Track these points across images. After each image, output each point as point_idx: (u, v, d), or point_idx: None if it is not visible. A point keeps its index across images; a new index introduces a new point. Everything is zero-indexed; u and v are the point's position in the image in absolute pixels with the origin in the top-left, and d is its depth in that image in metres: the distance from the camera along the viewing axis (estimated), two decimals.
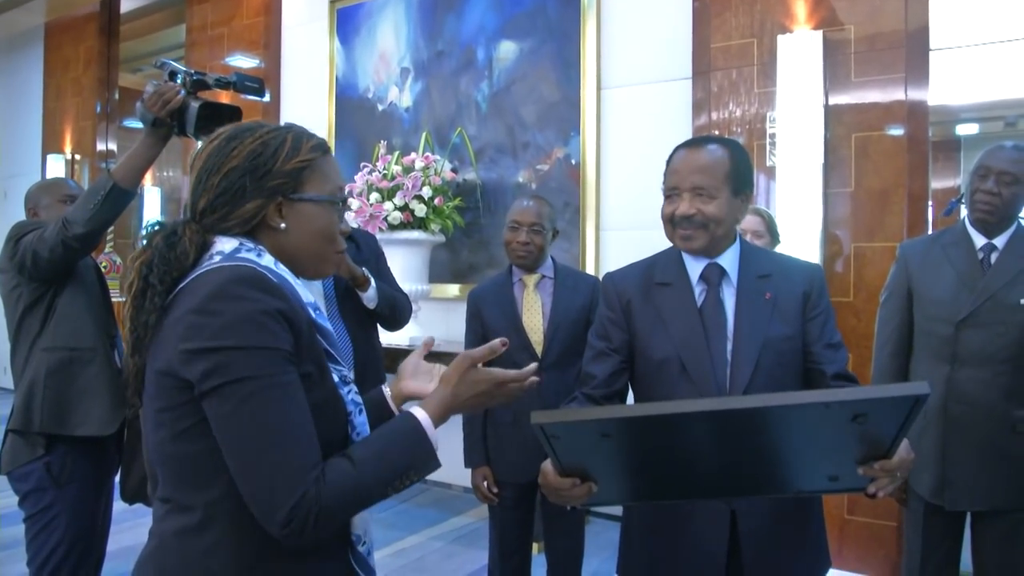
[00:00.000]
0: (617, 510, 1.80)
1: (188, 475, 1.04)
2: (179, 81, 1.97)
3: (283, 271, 1.11)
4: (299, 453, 0.99)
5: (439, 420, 1.13)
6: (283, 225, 1.13)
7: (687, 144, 1.62)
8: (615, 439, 1.13)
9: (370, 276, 2.48)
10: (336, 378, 1.13)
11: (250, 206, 1.11)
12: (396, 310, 2.64)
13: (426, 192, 3.98)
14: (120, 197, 2.08)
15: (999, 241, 2.16)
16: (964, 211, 2.26)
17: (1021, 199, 2.13)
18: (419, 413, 1.12)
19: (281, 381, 1.00)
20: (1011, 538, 2.15)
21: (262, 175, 1.11)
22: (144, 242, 1.10)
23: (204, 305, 1.00)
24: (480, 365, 1.20)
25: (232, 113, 1.96)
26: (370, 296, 2.50)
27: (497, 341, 1.22)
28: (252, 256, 1.08)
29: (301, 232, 1.14)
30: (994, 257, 2.15)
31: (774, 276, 1.59)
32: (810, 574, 1.63)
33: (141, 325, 1.05)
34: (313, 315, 1.12)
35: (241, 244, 1.10)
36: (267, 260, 1.09)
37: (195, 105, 1.93)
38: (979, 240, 2.18)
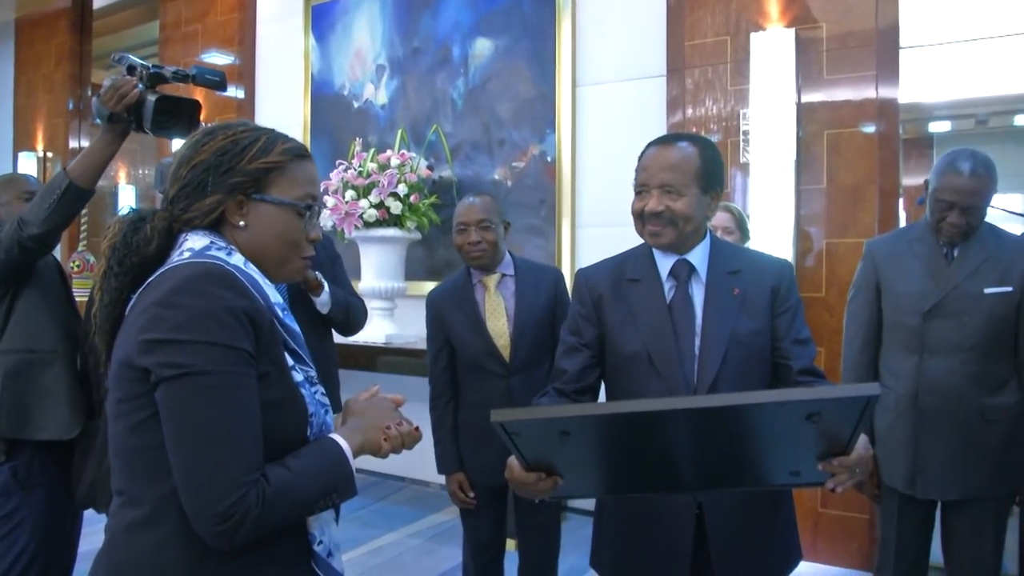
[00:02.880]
0: (593, 505, 1.81)
1: (142, 468, 1.04)
2: (136, 75, 1.92)
3: (252, 271, 1.12)
4: (241, 455, 0.99)
5: (355, 447, 1.12)
6: (242, 223, 1.14)
7: (658, 141, 1.63)
8: (575, 436, 1.13)
9: (323, 281, 2.44)
10: (301, 377, 1.13)
11: (209, 200, 1.13)
12: (350, 315, 2.60)
13: (402, 189, 3.96)
14: (77, 196, 2.01)
15: None
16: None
17: (983, 213, 2.15)
18: (340, 440, 1.11)
19: (235, 381, 1.00)
20: (981, 527, 2.18)
21: (224, 171, 1.13)
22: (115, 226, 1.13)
23: (167, 298, 1.01)
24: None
25: (191, 106, 1.91)
26: (323, 301, 2.45)
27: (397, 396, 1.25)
28: (222, 255, 1.09)
29: (261, 233, 1.15)
30: (957, 250, 2.19)
31: (743, 272, 1.61)
32: (780, 567, 1.65)
33: (104, 306, 1.09)
34: (280, 315, 1.13)
35: (212, 242, 1.12)
36: (236, 259, 1.11)
37: (152, 99, 1.88)
38: None
